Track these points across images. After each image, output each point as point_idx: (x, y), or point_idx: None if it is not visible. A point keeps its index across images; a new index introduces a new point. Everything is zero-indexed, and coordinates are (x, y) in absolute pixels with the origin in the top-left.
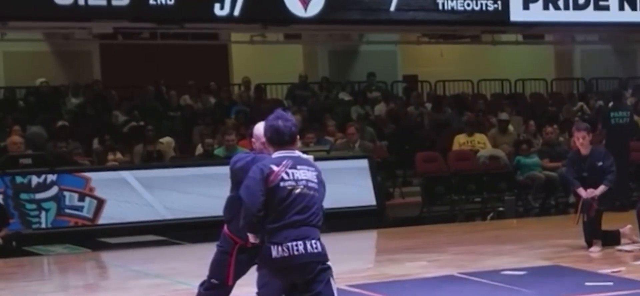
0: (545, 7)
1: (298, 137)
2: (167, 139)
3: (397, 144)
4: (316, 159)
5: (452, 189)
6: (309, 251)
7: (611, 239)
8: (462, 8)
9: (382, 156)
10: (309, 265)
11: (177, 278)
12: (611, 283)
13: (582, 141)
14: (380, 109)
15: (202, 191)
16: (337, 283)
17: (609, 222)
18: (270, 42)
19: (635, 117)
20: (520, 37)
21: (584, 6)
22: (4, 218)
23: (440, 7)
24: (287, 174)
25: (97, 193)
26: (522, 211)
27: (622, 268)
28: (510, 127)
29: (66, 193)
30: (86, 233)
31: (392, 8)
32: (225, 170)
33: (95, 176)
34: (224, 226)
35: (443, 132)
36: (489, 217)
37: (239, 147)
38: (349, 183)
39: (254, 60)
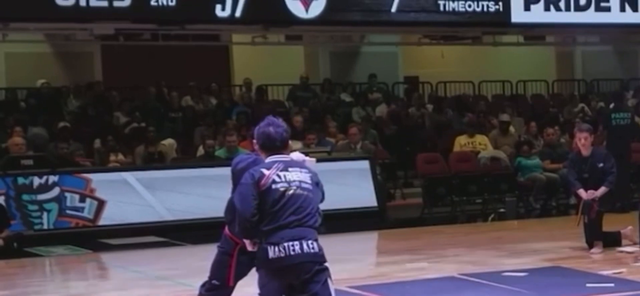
0: (546, 9)
1: (290, 142)
2: (169, 141)
3: (398, 146)
4: (317, 160)
5: (453, 190)
6: (305, 251)
7: (612, 240)
8: (463, 9)
9: (383, 158)
10: (306, 265)
11: (178, 279)
12: (612, 285)
13: (583, 142)
14: (381, 110)
15: (203, 192)
16: (337, 284)
17: (610, 223)
18: (271, 43)
19: (636, 119)
20: (521, 39)
21: (585, 7)
22: (5, 219)
23: (442, 8)
24: (279, 176)
25: (98, 194)
26: (523, 212)
27: (623, 270)
28: (511, 129)
29: (67, 194)
30: (87, 234)
31: (393, 9)
32: (226, 171)
33: (96, 177)
34: (225, 227)
35: (444, 134)
36: (490, 218)
37: (240, 148)
38: (350, 184)
39: (255, 61)
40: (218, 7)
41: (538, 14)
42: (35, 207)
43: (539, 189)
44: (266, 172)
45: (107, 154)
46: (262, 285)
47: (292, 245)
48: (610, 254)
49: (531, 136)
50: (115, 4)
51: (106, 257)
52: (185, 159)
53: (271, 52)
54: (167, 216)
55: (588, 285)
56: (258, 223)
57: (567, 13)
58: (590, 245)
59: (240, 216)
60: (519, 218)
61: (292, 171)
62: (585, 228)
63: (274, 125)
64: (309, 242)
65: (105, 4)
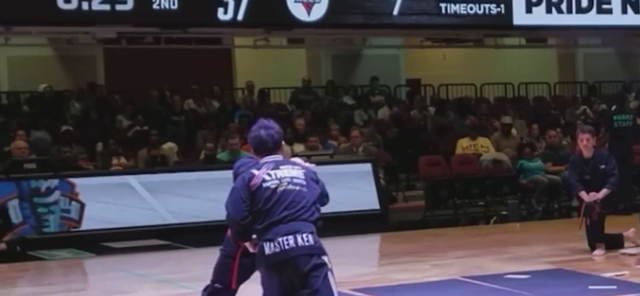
0: (548, 11)
1: (283, 143)
2: (169, 145)
3: (400, 148)
4: (320, 163)
5: (456, 193)
6: (299, 244)
7: (614, 242)
8: (465, 12)
9: (385, 160)
10: (301, 258)
11: (181, 282)
12: (615, 287)
13: (585, 143)
14: (383, 113)
15: (206, 196)
16: (339, 287)
17: (612, 225)
18: (273, 47)
19: (639, 121)
20: (523, 41)
21: (587, 9)
22: (7, 223)
23: (443, 11)
24: (269, 175)
25: (100, 198)
26: (526, 214)
27: (626, 272)
28: (514, 131)
29: (70, 198)
30: (90, 237)
31: (395, 12)
32: (229, 174)
33: (98, 181)
34: (228, 230)
35: (446, 136)
36: (492, 221)
37: (242, 151)
38: (353, 187)
39: (257, 64)
40: (220, 10)
41: (540, 16)
42: (45, 210)
43: (541, 192)
44: (256, 172)
45: (110, 158)
46: (264, 284)
47: (286, 239)
48: (613, 256)
49: (533, 138)
50: (118, 7)
51: (109, 260)
52: (188, 162)
53: (273, 56)
54: (170, 219)
55: (590, 287)
56: (252, 224)
57: (569, 15)
58: (593, 247)
59: (232, 220)
60: (521, 221)
61: (283, 169)
62: (588, 231)
63: (265, 128)
64: (304, 235)
65: (107, 7)
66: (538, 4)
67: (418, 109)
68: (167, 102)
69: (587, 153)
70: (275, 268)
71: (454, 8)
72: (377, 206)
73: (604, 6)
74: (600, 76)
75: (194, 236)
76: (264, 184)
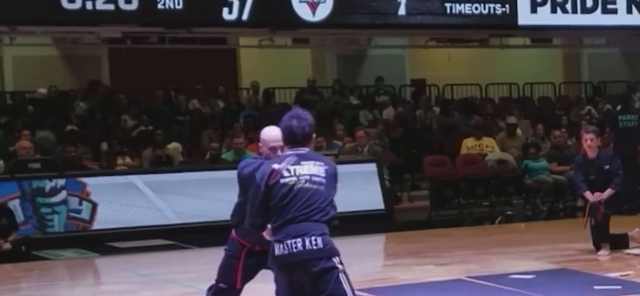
0: (553, 11)
1: (314, 136)
2: (173, 145)
3: (405, 148)
4: None
5: (460, 193)
6: (307, 248)
7: (619, 242)
8: (470, 12)
9: (390, 160)
10: (309, 262)
11: (186, 282)
12: (620, 287)
13: (589, 143)
14: (388, 113)
15: (211, 195)
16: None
17: (617, 225)
18: (278, 47)
19: None
20: (528, 41)
21: (592, 10)
22: (13, 223)
23: (448, 10)
24: (288, 171)
25: (104, 198)
26: (530, 214)
27: (631, 272)
28: (519, 131)
29: (74, 198)
30: (95, 237)
31: (400, 12)
32: (233, 174)
33: (103, 181)
34: (232, 230)
35: (451, 136)
36: (497, 221)
37: (247, 151)
38: (358, 187)
39: (262, 64)
40: (225, 10)
41: (545, 17)
42: (49, 210)
43: (546, 192)
44: (276, 167)
45: (114, 158)
46: (276, 282)
47: (295, 242)
48: (618, 256)
49: (538, 139)
50: (123, 7)
51: (114, 260)
52: (193, 162)
53: (278, 55)
54: (175, 219)
55: (595, 287)
56: (267, 219)
57: (574, 15)
58: (598, 248)
59: (248, 218)
60: (526, 221)
61: (304, 164)
62: (592, 231)
63: (297, 118)
64: (312, 238)
65: (112, 7)
66: (543, 4)
67: (423, 109)
68: (172, 102)
69: (592, 153)
70: (285, 269)
71: (459, 8)
72: (382, 206)
73: (609, 6)
74: (605, 76)
75: (199, 236)
76: (282, 180)
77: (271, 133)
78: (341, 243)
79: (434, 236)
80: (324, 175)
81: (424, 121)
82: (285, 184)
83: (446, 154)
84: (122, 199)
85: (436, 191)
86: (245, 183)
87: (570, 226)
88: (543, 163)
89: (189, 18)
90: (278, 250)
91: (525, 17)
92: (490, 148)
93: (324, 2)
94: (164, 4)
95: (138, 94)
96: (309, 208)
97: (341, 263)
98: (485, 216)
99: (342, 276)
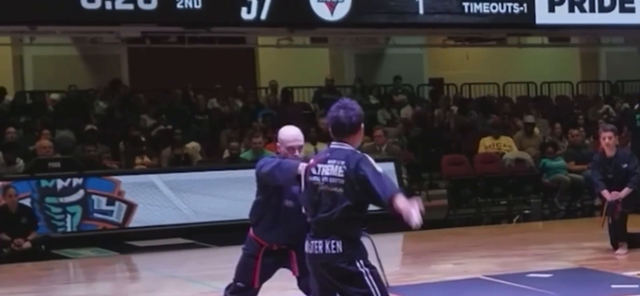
0: (571, 10)
1: (362, 126)
2: (192, 144)
3: (423, 147)
4: None
5: (478, 192)
6: (327, 251)
7: (637, 241)
8: (488, 11)
9: (408, 159)
10: (328, 265)
11: (204, 281)
12: (637, 286)
13: (608, 141)
14: (406, 112)
15: (230, 195)
16: None
17: (634, 224)
18: (296, 46)
19: None
20: (546, 40)
21: (610, 8)
22: (33, 222)
23: (466, 10)
24: (316, 168)
25: (126, 197)
26: (548, 213)
27: None
28: (536, 130)
29: (94, 197)
30: (113, 236)
31: (418, 11)
32: (252, 173)
33: (123, 180)
34: (250, 229)
35: (469, 135)
36: (515, 220)
37: (266, 150)
38: None
39: (280, 63)
40: (244, 9)
41: (562, 16)
42: (59, 210)
43: (563, 191)
44: (311, 161)
45: (133, 157)
46: (309, 275)
47: (317, 244)
48: (636, 255)
49: (556, 137)
50: (142, 6)
51: (133, 259)
52: (212, 161)
53: (296, 55)
54: (194, 218)
55: (613, 286)
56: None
57: (592, 14)
58: (615, 246)
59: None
60: (543, 220)
61: (329, 163)
62: (610, 229)
63: (344, 108)
64: (332, 242)
65: (131, 7)
66: (561, 3)
67: (441, 108)
68: (190, 102)
69: (610, 152)
70: (310, 266)
71: (476, 7)
72: None
73: (627, 5)
74: (622, 75)
75: (218, 235)
76: (310, 178)
77: (289, 133)
78: None
79: (452, 235)
80: (341, 175)
81: (442, 120)
82: (312, 182)
83: (464, 153)
84: (141, 198)
85: (454, 190)
86: (263, 181)
87: (587, 225)
88: (561, 161)
89: (207, 18)
90: (307, 247)
91: (543, 16)
92: (508, 147)
93: (342, 1)
94: (183, 4)
95: (157, 94)
96: (331, 210)
97: (363, 265)
98: (502, 215)
99: (367, 279)
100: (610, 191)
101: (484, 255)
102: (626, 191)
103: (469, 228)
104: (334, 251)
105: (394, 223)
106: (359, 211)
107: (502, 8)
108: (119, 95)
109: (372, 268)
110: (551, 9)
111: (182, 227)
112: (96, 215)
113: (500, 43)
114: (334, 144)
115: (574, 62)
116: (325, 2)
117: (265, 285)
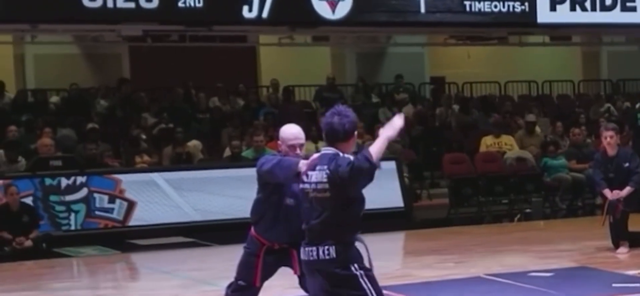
0: (572, 9)
1: (356, 133)
2: (193, 143)
3: (424, 146)
4: None
5: (480, 191)
6: (321, 258)
7: (638, 240)
8: (489, 10)
9: (409, 158)
10: (322, 271)
11: (205, 279)
12: (639, 285)
13: (609, 140)
14: (407, 111)
15: (231, 193)
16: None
17: (635, 223)
18: (298, 44)
19: None
20: (547, 39)
21: (611, 7)
22: (35, 220)
23: (468, 8)
24: (307, 175)
25: (126, 195)
26: (549, 212)
27: None
28: (537, 129)
29: (96, 195)
30: (115, 234)
31: (420, 10)
32: (253, 172)
33: (124, 178)
34: (251, 228)
35: (470, 134)
36: (516, 219)
37: (267, 149)
38: (377, 185)
39: (282, 62)
40: (245, 8)
41: (564, 14)
42: (63, 208)
43: (565, 190)
44: (303, 169)
45: (133, 156)
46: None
47: (311, 250)
48: (637, 254)
49: (557, 136)
50: (143, 5)
51: (134, 257)
52: (213, 160)
53: (298, 53)
54: (195, 217)
55: (614, 285)
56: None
57: (593, 13)
58: (616, 245)
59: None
60: (545, 219)
61: (317, 170)
62: (611, 228)
63: (339, 115)
64: (325, 248)
65: (132, 5)
66: (562, 1)
67: (443, 107)
68: (192, 100)
69: (611, 151)
70: (306, 271)
71: (478, 6)
72: (401, 204)
73: (628, 4)
74: (624, 74)
75: (219, 233)
76: (302, 185)
77: (290, 131)
78: None
79: (453, 233)
80: (325, 180)
81: (444, 119)
82: (303, 189)
83: (465, 152)
84: (142, 196)
85: (455, 188)
86: (264, 179)
87: (589, 223)
88: (562, 160)
89: (209, 16)
90: (302, 252)
91: (544, 15)
92: (509, 145)
93: (344, 0)
94: (184, 2)
95: (158, 92)
96: (322, 216)
97: (358, 268)
98: (504, 214)
99: (361, 282)
100: (611, 190)
101: (485, 253)
102: (628, 190)
103: (470, 227)
104: (327, 257)
105: (394, 222)
106: (349, 212)
107: (504, 7)
108: (120, 93)
109: (367, 271)
110: (552, 8)
111: (183, 225)
112: (98, 213)
113: (502, 42)
114: (323, 150)
115: (575, 61)
116: (327, 0)
117: (266, 283)
